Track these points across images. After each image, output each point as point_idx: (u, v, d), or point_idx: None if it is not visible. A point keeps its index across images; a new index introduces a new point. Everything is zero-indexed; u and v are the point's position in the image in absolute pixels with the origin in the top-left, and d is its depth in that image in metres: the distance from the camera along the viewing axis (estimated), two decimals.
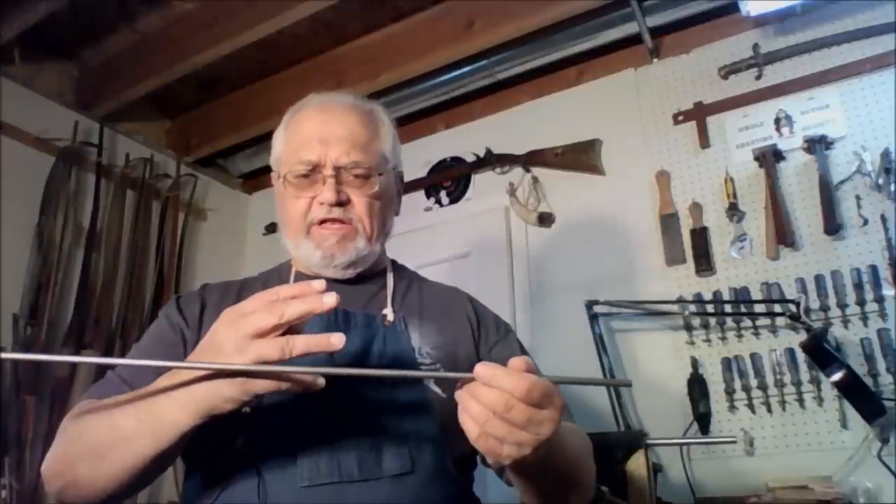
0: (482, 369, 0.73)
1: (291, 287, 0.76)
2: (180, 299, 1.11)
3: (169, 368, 0.81)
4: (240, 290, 1.12)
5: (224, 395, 0.74)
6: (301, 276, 1.12)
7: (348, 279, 1.10)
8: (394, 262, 1.21)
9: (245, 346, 0.72)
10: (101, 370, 1.16)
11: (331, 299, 0.74)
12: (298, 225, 1.07)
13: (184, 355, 1.01)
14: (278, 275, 1.16)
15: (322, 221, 1.06)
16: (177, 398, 0.77)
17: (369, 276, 1.14)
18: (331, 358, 0.96)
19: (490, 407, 0.72)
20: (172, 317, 1.07)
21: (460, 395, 0.75)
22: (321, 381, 0.74)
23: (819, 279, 1.96)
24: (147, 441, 0.79)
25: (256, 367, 0.72)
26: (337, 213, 1.05)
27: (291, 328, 0.74)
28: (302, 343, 0.72)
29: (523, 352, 1.15)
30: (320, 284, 0.75)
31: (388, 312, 1.08)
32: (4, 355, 0.65)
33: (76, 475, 0.85)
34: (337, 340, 0.73)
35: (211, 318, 1.04)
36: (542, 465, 0.79)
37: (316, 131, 1.07)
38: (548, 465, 0.81)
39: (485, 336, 1.13)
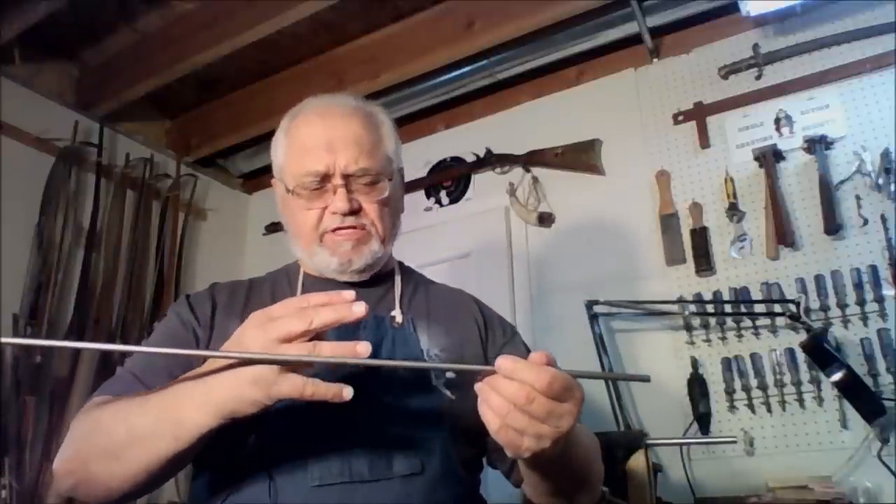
0: (504, 362, 0.73)
1: (321, 295, 0.76)
2: (191, 298, 1.10)
3: (183, 356, 0.81)
4: (248, 291, 1.12)
5: (247, 397, 0.74)
6: (309, 278, 1.12)
7: (356, 282, 1.09)
8: (400, 264, 1.21)
9: (272, 349, 0.72)
10: (102, 373, 1.15)
11: (360, 309, 0.74)
12: (311, 235, 1.07)
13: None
14: (286, 276, 1.16)
15: (335, 230, 1.06)
16: (197, 399, 0.76)
17: (377, 277, 1.14)
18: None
19: (511, 399, 0.72)
20: (184, 315, 1.06)
21: (481, 388, 0.75)
22: (347, 394, 0.74)
23: (819, 279, 1.96)
24: (166, 442, 0.79)
25: (277, 356, 0.72)
26: (350, 221, 1.05)
27: (317, 335, 0.74)
28: (329, 350, 0.73)
29: (529, 353, 1.15)
30: (350, 294, 0.76)
31: (397, 314, 1.08)
32: (5, 340, 0.63)
33: (90, 474, 0.84)
34: (363, 349, 0.73)
35: (221, 318, 1.05)
36: (558, 460, 0.79)
37: (320, 139, 1.05)
38: (563, 460, 0.82)
39: (492, 338, 1.13)
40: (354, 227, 1.06)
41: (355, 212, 1.05)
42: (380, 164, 1.07)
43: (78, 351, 2.27)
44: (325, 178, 1.04)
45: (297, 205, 1.07)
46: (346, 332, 0.99)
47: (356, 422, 0.93)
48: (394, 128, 1.16)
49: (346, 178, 1.04)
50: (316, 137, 1.06)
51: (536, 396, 0.72)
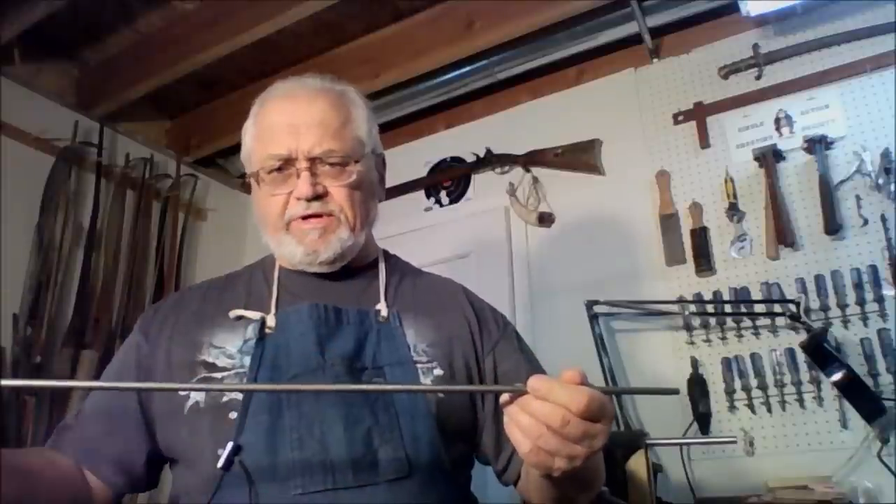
0: (537, 383, 0.71)
1: None
2: (144, 317, 1.10)
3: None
4: (222, 288, 1.09)
5: None
6: (284, 271, 1.08)
7: (337, 273, 1.06)
8: (385, 253, 1.16)
9: None
10: (102, 369, 1.15)
11: None
12: (277, 223, 1.02)
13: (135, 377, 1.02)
14: (262, 269, 1.12)
15: (302, 217, 1.01)
16: None
17: (359, 268, 1.09)
18: (322, 359, 0.94)
19: (545, 421, 0.70)
20: (132, 339, 1.07)
21: (510, 410, 0.73)
22: None
23: (819, 279, 1.96)
24: None
25: (214, 386, 0.70)
26: (315, 207, 1.00)
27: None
28: None
29: (522, 345, 1.12)
30: None
31: (382, 307, 1.03)
32: (5, 382, 0.64)
33: None
34: None
35: (191, 324, 1.03)
36: (579, 472, 0.77)
37: (284, 121, 1.01)
38: (583, 471, 0.79)
39: (486, 333, 1.08)
40: (321, 215, 1.01)
41: (321, 196, 1.00)
42: (348, 145, 1.02)
43: (77, 352, 2.28)
44: (289, 161, 1.00)
45: (262, 191, 1.03)
46: (328, 330, 0.98)
47: (339, 423, 0.90)
48: (369, 110, 1.10)
49: (311, 161, 0.99)
50: (280, 120, 1.02)
51: (572, 418, 0.69)
